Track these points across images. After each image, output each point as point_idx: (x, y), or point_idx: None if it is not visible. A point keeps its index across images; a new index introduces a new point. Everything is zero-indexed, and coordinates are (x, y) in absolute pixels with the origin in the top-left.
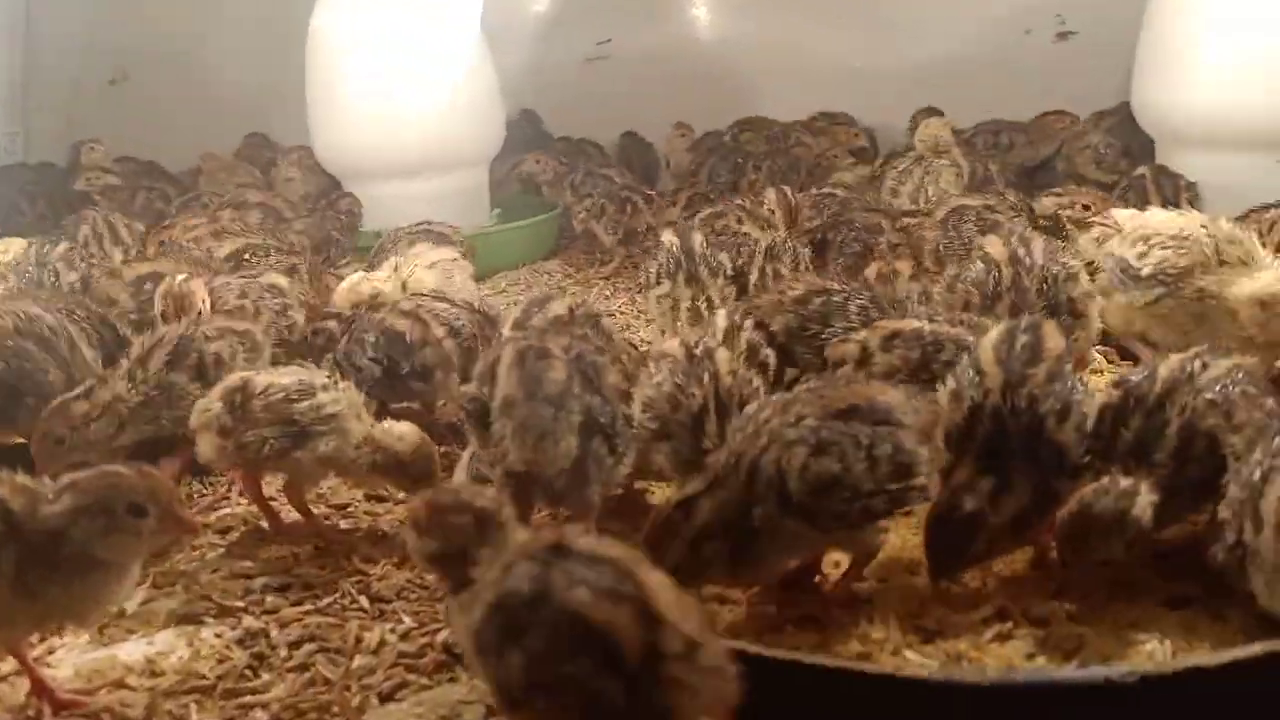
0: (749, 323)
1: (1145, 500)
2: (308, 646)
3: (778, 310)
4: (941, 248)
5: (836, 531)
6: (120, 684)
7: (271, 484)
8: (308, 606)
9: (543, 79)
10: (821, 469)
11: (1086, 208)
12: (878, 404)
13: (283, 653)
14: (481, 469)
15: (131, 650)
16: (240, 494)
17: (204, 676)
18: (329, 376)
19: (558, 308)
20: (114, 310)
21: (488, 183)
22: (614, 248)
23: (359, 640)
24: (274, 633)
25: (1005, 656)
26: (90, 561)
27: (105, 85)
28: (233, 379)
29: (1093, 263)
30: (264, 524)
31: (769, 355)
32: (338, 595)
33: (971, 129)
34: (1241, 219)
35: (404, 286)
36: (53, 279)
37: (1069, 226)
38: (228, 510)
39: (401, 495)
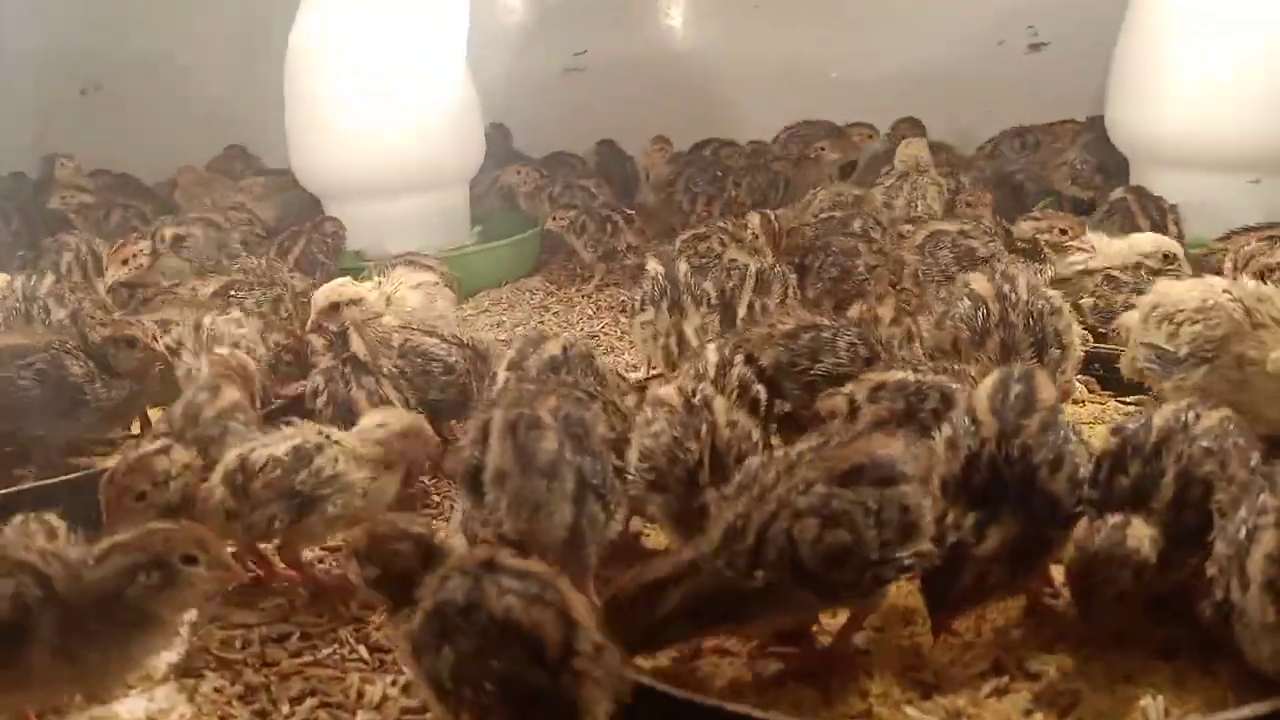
0: (739, 358)
1: (1141, 531)
2: (309, 702)
3: (767, 344)
4: (920, 274)
5: (848, 600)
6: None
7: None
8: (307, 658)
9: (519, 91)
10: (835, 540)
11: (1064, 232)
12: (880, 460)
13: (285, 709)
14: (474, 528)
15: (133, 707)
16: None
17: None
18: (319, 431)
19: (552, 348)
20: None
21: (468, 201)
22: (594, 263)
23: (360, 695)
24: (274, 687)
25: (1003, 713)
26: (146, 619)
27: (77, 95)
28: (230, 458)
29: (1069, 278)
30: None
31: (760, 391)
32: (336, 645)
33: (997, 136)
34: (1223, 239)
35: (388, 301)
36: (43, 315)
37: (1046, 250)
38: None
39: None
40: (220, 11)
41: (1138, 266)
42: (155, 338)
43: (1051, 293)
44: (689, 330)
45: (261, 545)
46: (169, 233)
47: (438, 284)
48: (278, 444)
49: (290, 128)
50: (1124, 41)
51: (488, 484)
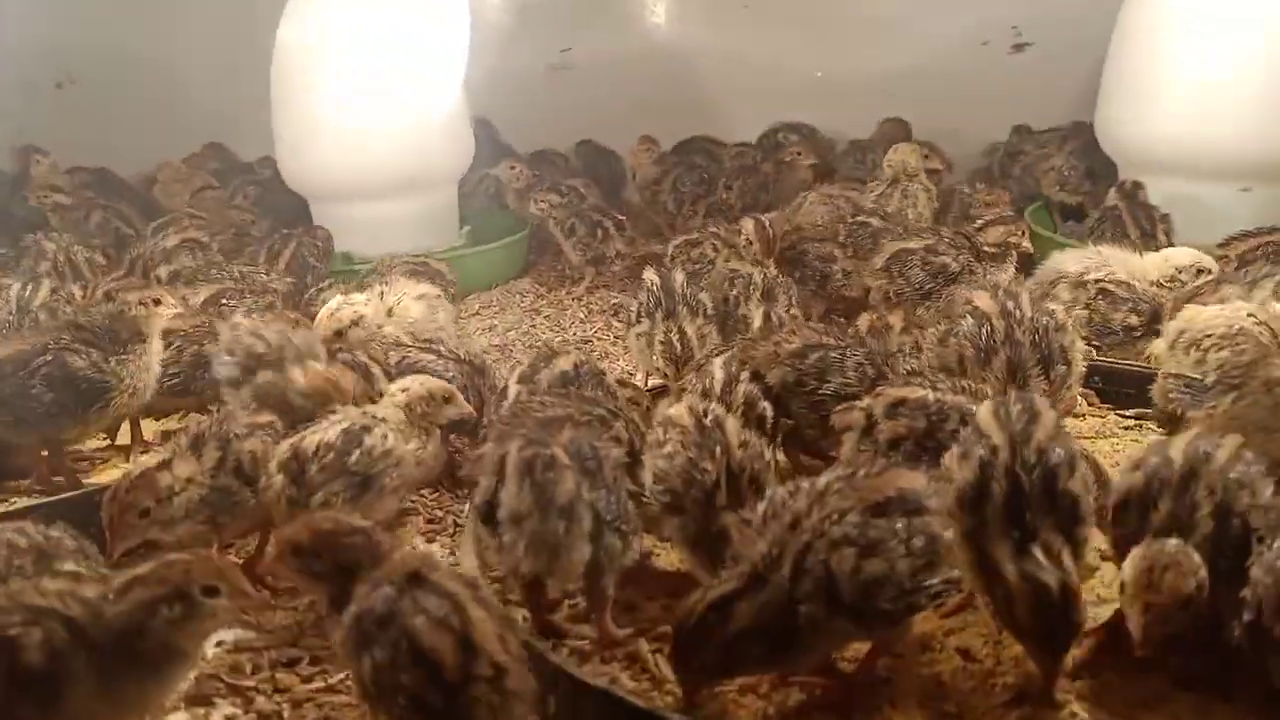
0: (745, 375)
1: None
2: None
3: (773, 362)
4: (892, 295)
5: (879, 627)
6: None
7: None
8: (318, 684)
9: (503, 89)
10: (873, 570)
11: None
12: (908, 493)
13: None
14: (488, 557)
15: None
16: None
17: None
18: (364, 412)
19: (563, 364)
20: None
21: (456, 201)
22: (583, 266)
23: None
24: (287, 714)
25: None
26: (171, 652)
27: (52, 88)
28: (283, 449)
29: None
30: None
31: (766, 408)
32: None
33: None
34: (1223, 246)
35: (390, 313)
36: (34, 326)
37: (1014, 254)
38: None
39: None
40: (199, 5)
41: (1171, 280)
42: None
43: (1054, 308)
44: (690, 335)
45: None
46: (164, 272)
47: (439, 296)
48: (327, 429)
49: (278, 128)
50: (1115, 50)
51: (504, 523)
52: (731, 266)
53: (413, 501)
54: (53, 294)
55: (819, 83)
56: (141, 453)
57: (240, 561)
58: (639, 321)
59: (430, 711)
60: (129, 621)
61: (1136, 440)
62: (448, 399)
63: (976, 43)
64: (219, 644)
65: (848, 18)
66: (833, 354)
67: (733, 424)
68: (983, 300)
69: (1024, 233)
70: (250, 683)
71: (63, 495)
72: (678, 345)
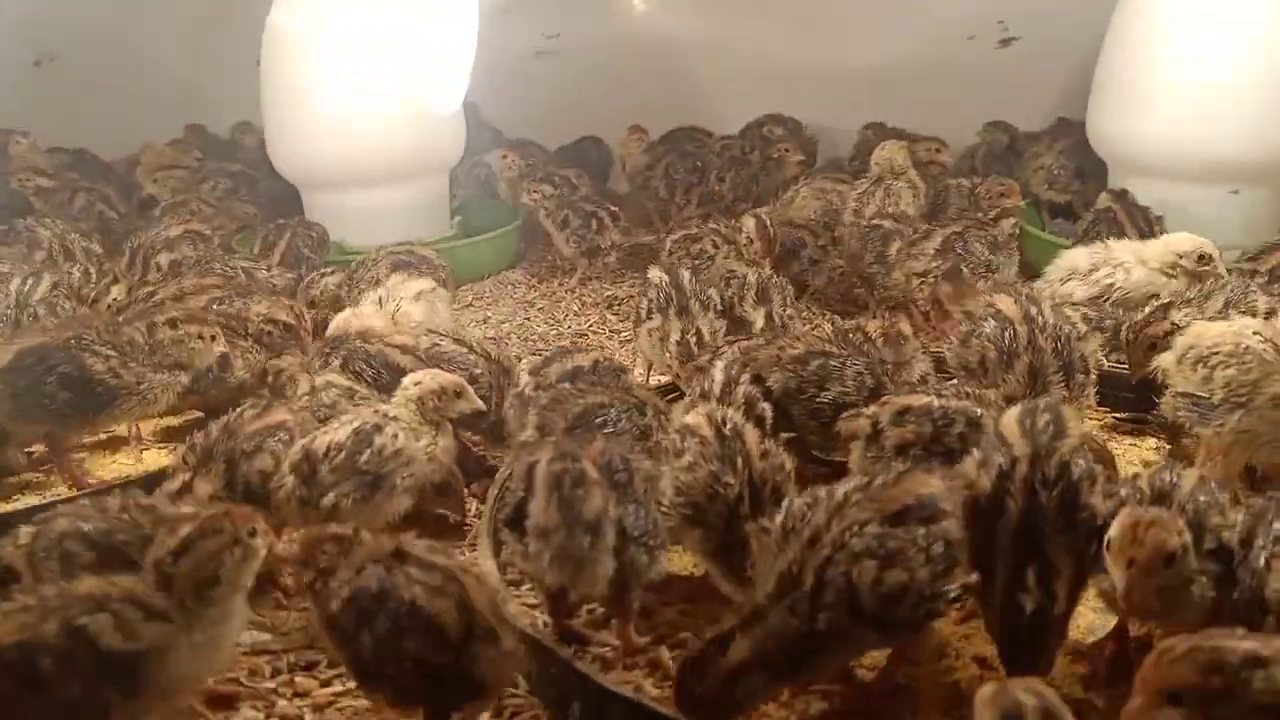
0: (745, 377)
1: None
2: None
3: (775, 367)
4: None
5: (901, 635)
6: None
7: None
8: (338, 687)
9: (491, 73)
10: (894, 580)
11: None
12: (925, 499)
13: None
14: (514, 563)
15: None
16: None
17: None
18: (376, 411)
19: (581, 360)
20: None
21: (448, 191)
22: (575, 258)
23: None
24: (309, 718)
25: None
26: (237, 590)
27: (30, 66)
28: (295, 450)
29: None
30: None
31: (765, 410)
32: None
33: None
34: (1252, 259)
35: (393, 319)
36: (33, 321)
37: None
38: None
39: None
40: None
41: (1173, 265)
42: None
43: (1073, 315)
44: (706, 333)
45: None
46: (165, 259)
47: (435, 290)
48: (338, 430)
49: (268, 114)
50: (1107, 52)
51: (531, 534)
52: (729, 267)
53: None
54: (53, 289)
55: (805, 74)
56: (141, 450)
57: None
58: (650, 317)
59: (435, 674)
60: (202, 573)
61: (1135, 444)
62: (459, 393)
63: (963, 37)
64: (235, 646)
65: (834, 9)
66: (833, 362)
67: (752, 433)
68: (1005, 304)
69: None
70: (270, 685)
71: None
72: (694, 345)
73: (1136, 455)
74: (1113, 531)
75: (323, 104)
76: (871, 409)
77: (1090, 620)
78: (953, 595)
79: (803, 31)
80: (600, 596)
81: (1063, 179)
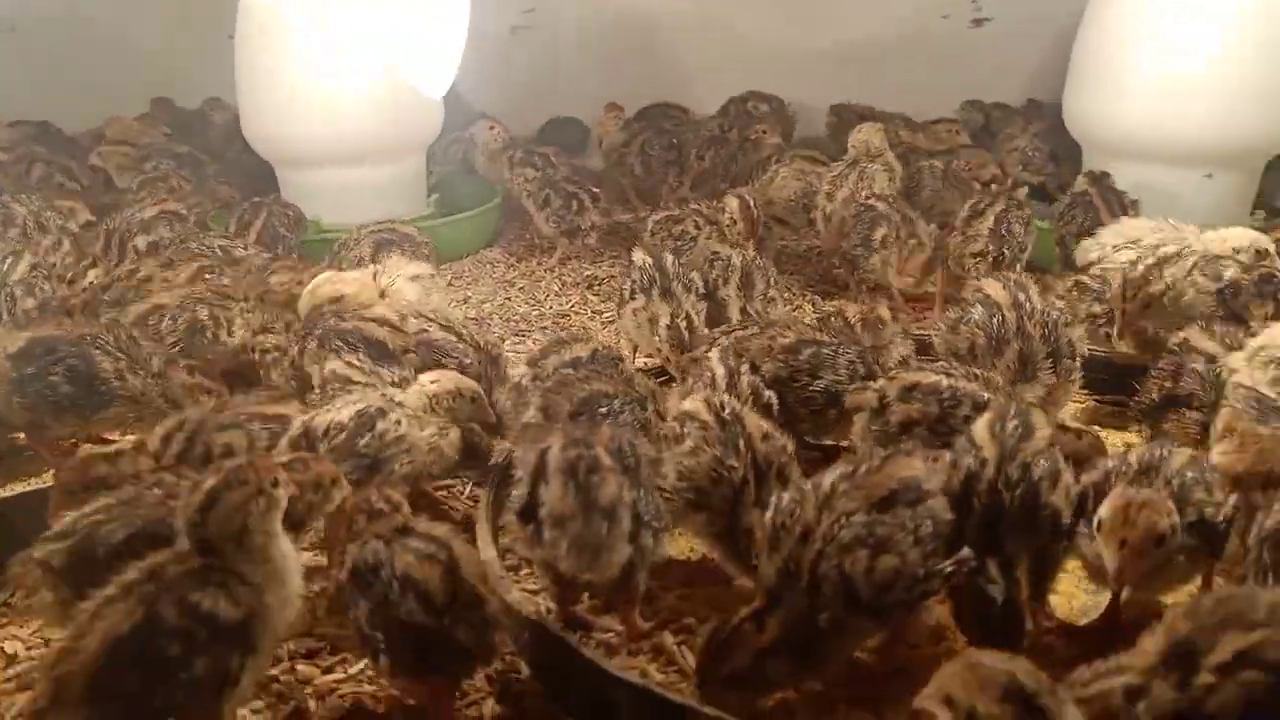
0: (745, 367)
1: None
2: None
3: (767, 356)
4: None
5: (898, 618)
6: None
7: None
8: (340, 674)
9: (466, 48)
10: (885, 567)
11: None
12: (910, 481)
13: None
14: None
15: None
16: None
17: None
18: (383, 395)
19: (579, 350)
20: None
21: (424, 168)
22: (555, 237)
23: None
24: (313, 706)
25: None
26: (269, 539)
27: None
28: (295, 428)
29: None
30: None
31: (771, 397)
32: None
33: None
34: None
35: (383, 294)
36: (9, 304)
37: None
38: None
39: None
40: None
41: (1228, 259)
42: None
43: (1058, 302)
44: (694, 317)
45: None
46: (142, 242)
47: (434, 276)
48: (341, 409)
49: (242, 89)
50: (1083, 35)
51: (546, 522)
52: (712, 248)
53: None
54: (32, 270)
55: (781, 52)
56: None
57: None
58: (634, 298)
59: (424, 637)
60: (231, 525)
61: (1118, 426)
62: (474, 399)
63: (937, 16)
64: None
65: None
66: (825, 350)
67: (752, 418)
68: (994, 289)
69: None
70: (272, 672)
71: None
72: (684, 329)
73: (1120, 439)
74: (1104, 511)
75: (299, 80)
76: (880, 382)
77: (1084, 602)
78: (947, 571)
79: (779, 9)
80: (609, 582)
81: (1037, 161)
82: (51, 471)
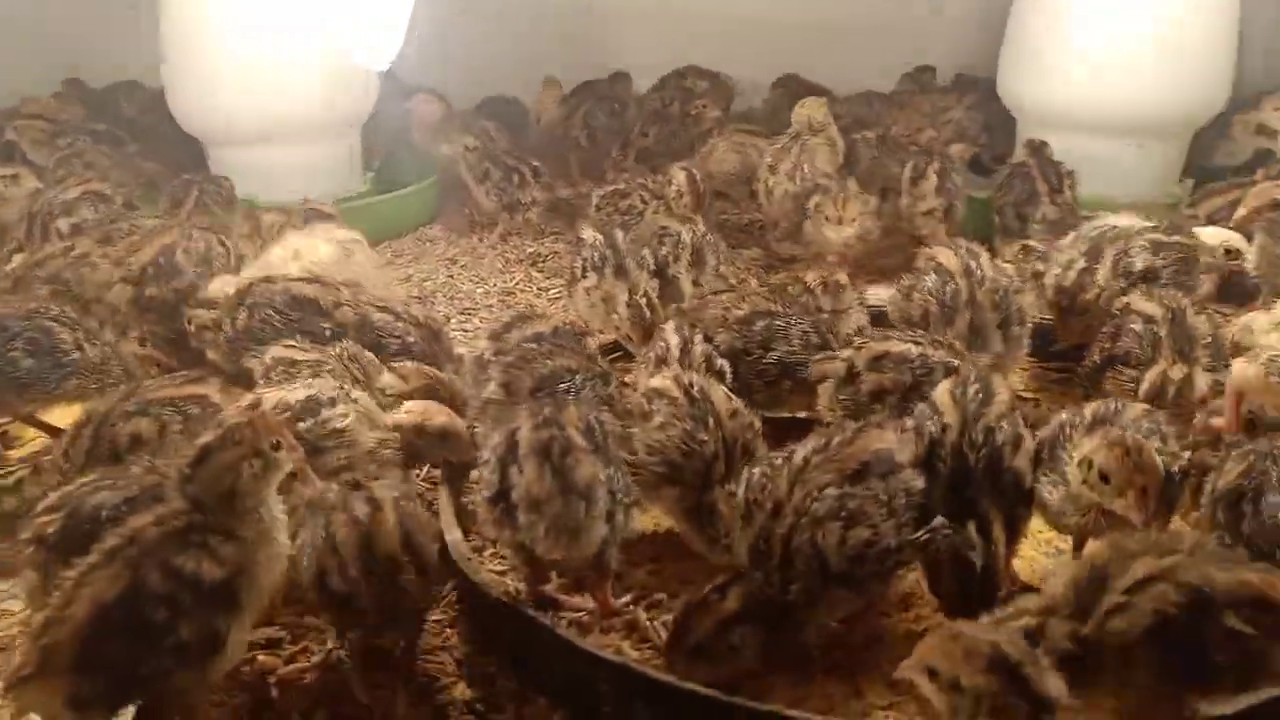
0: (699, 337)
1: None
2: (320, 715)
3: (721, 327)
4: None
5: (874, 588)
6: None
7: None
8: (302, 663)
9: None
10: (857, 539)
11: None
12: (882, 454)
13: None
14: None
15: None
16: None
17: None
18: (341, 387)
19: (540, 325)
20: None
21: (359, 145)
22: (496, 213)
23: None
24: (276, 695)
25: None
26: (260, 501)
27: None
28: (249, 397)
29: None
30: None
31: (724, 366)
32: (332, 646)
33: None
34: (1192, 205)
35: (296, 255)
36: None
37: None
38: None
39: None
40: None
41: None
42: None
43: (1008, 268)
44: (653, 296)
45: None
46: (65, 224)
47: (358, 240)
48: (294, 390)
49: (169, 67)
50: (1017, 10)
51: (520, 505)
52: (660, 222)
53: None
54: None
55: (722, 27)
56: None
57: None
58: (585, 276)
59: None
60: (220, 485)
61: (1064, 393)
62: (444, 437)
63: None
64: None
65: None
66: (778, 322)
67: (720, 394)
68: (946, 256)
69: None
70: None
71: None
72: (645, 307)
73: (1068, 405)
74: (1103, 463)
75: (227, 57)
76: (846, 351)
77: (1044, 565)
78: (921, 541)
79: None
80: (583, 560)
81: (972, 132)
82: None
